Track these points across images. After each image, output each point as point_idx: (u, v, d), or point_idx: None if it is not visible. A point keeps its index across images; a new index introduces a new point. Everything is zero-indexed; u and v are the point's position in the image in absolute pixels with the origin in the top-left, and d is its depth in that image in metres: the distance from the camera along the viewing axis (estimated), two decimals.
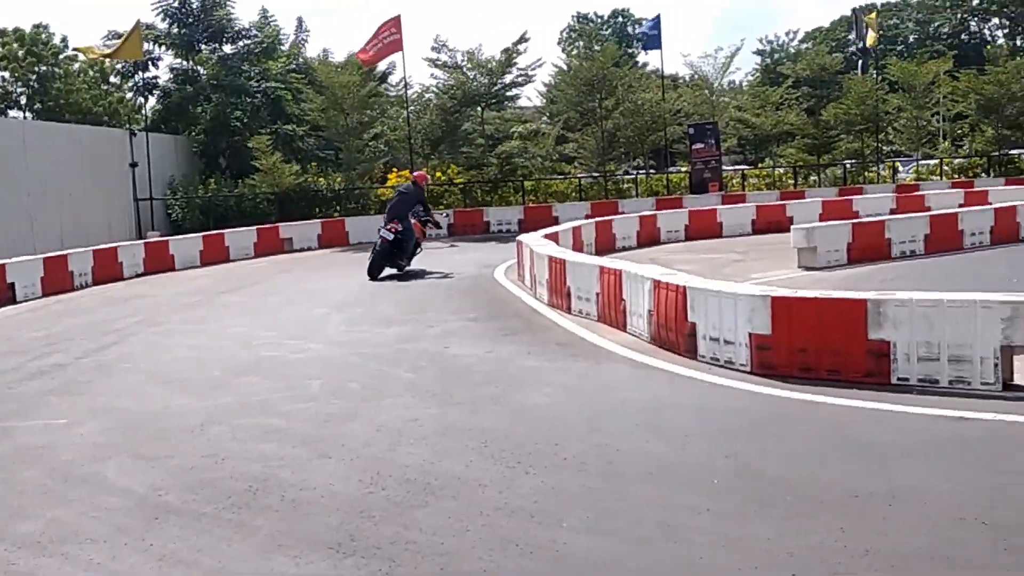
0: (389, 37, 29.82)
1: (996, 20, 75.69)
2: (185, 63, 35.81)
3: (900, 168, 41.77)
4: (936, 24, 75.74)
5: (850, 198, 27.44)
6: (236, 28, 35.98)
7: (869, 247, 17.12)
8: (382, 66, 38.77)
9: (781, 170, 39.74)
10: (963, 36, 74.67)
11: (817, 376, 8.17)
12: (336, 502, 5.76)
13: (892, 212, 23.56)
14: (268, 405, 8.37)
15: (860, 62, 46.84)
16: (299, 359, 10.53)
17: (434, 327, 12.15)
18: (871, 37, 39.97)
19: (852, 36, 49.87)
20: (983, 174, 37.07)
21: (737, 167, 45.02)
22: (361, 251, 25.17)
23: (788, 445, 6.57)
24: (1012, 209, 19.45)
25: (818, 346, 8.26)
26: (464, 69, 33.15)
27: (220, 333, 12.75)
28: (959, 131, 42.88)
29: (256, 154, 30.75)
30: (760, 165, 42.14)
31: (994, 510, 5.17)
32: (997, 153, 38.74)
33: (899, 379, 7.89)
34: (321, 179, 32.39)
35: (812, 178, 39.22)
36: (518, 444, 6.77)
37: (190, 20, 35.18)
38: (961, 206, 22.53)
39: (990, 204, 21.74)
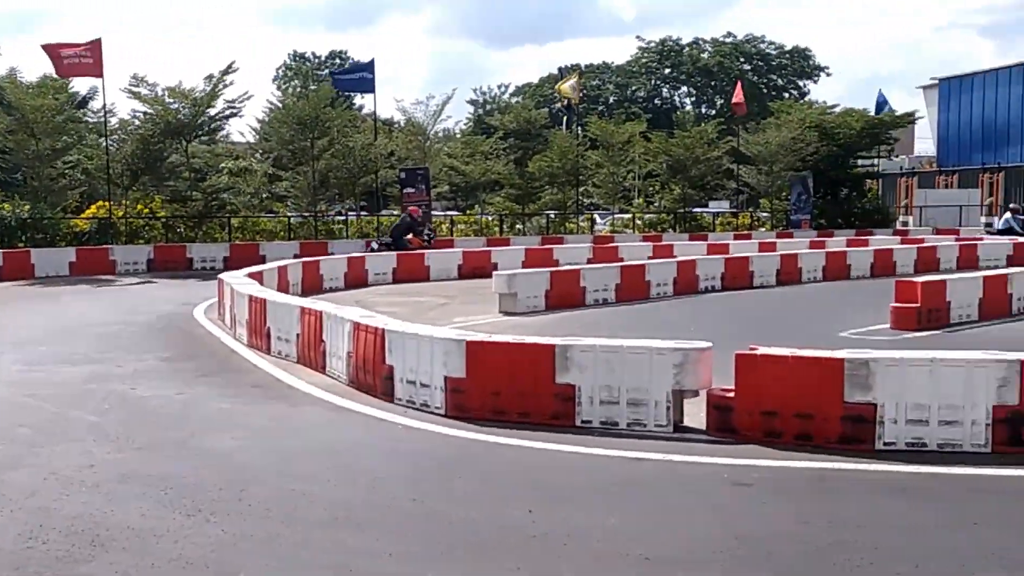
0: (83, 58, 28.14)
1: (685, 89, 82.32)
2: None
3: (598, 220, 44.18)
4: (633, 88, 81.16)
5: (551, 247, 28.65)
6: None
7: (566, 294, 17.90)
8: (83, 91, 36.67)
9: (489, 217, 40.96)
10: (656, 101, 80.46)
11: (508, 419, 8.40)
12: None
13: (589, 262, 24.78)
14: None
15: (565, 118, 49.26)
16: None
17: (124, 367, 11.49)
18: (572, 96, 42.15)
19: (556, 93, 52.50)
20: (670, 229, 39.92)
21: (447, 212, 45.99)
22: (51, 285, 23.49)
23: (474, 487, 6.70)
24: (693, 263, 21.01)
25: (509, 390, 8.50)
26: (165, 101, 31.75)
27: None
28: (651, 188, 45.97)
29: None
30: (469, 212, 43.24)
31: (658, 547, 5.49)
32: (683, 210, 41.86)
33: (583, 421, 8.26)
34: (6, 206, 29.92)
35: (518, 226, 40.67)
36: (201, 490, 6.49)
37: None
38: (650, 258, 24.10)
39: (675, 257, 23.39)
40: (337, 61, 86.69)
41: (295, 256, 25.33)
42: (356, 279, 22.45)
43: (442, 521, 5.93)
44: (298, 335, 11.60)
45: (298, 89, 55.03)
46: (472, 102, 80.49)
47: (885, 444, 7.41)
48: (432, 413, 8.78)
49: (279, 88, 71.83)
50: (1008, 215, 28.18)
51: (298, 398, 9.74)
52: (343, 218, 37.69)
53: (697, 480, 6.91)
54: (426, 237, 27.28)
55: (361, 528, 5.80)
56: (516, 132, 45.08)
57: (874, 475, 6.91)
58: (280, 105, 38.61)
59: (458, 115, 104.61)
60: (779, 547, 5.49)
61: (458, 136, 52.18)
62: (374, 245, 26.63)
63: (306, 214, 35.67)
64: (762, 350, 7.97)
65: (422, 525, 5.84)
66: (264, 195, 36.18)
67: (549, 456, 7.49)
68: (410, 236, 26.62)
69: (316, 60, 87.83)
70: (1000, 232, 28.37)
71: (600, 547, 5.47)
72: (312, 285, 20.69)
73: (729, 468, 7.08)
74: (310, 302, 12.35)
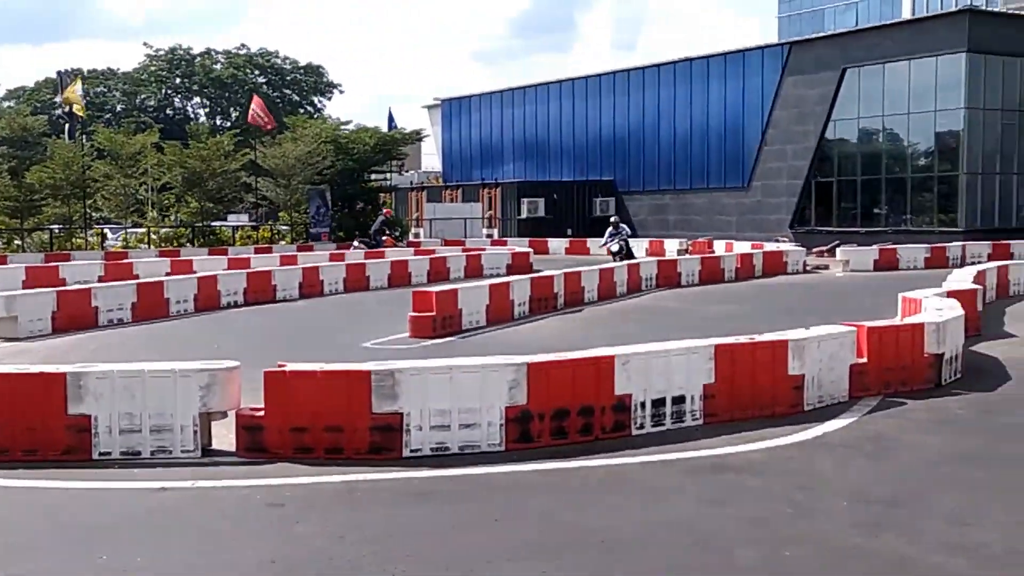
0: None
1: (198, 99, 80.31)
2: None
3: (109, 235, 41.71)
4: (143, 97, 77.65)
5: (57, 264, 26.50)
6: None
7: (76, 315, 16.60)
8: None
9: None
10: (168, 111, 77.62)
11: (13, 458, 7.58)
12: None
13: (101, 280, 23.24)
14: None
15: (67, 126, 45.85)
16: None
17: None
18: (78, 102, 39.44)
19: (58, 99, 48.70)
20: (189, 244, 38.70)
21: None
22: None
23: None
24: (214, 278, 20.47)
25: (13, 425, 7.67)
26: None
27: None
28: (166, 201, 44.21)
29: None
30: None
31: None
32: (201, 224, 40.80)
33: (101, 454, 7.68)
34: None
35: (16, 243, 37.24)
36: None
37: None
38: (168, 274, 23.13)
39: (195, 273, 22.67)
40: None
41: None
42: None
43: None
44: None
45: None
46: None
47: (412, 451, 7.71)
48: None
49: None
50: (610, 228, 30.42)
51: None
52: None
53: (229, 504, 6.70)
54: (393, 236, 32.57)
55: None
56: (10, 140, 41.09)
57: (402, 483, 7.14)
58: None
59: None
60: (315, 566, 5.46)
61: None
62: (356, 244, 32.06)
63: None
64: (290, 366, 7.93)
65: None
66: None
67: (64, 495, 6.87)
68: (385, 237, 31.86)
69: None
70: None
71: None
72: None
73: (262, 489, 6.95)
74: None
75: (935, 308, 11.46)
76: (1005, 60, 35.73)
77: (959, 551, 5.57)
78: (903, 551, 5.59)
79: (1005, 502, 6.54)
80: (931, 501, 6.58)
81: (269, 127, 42.15)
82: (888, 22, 45.45)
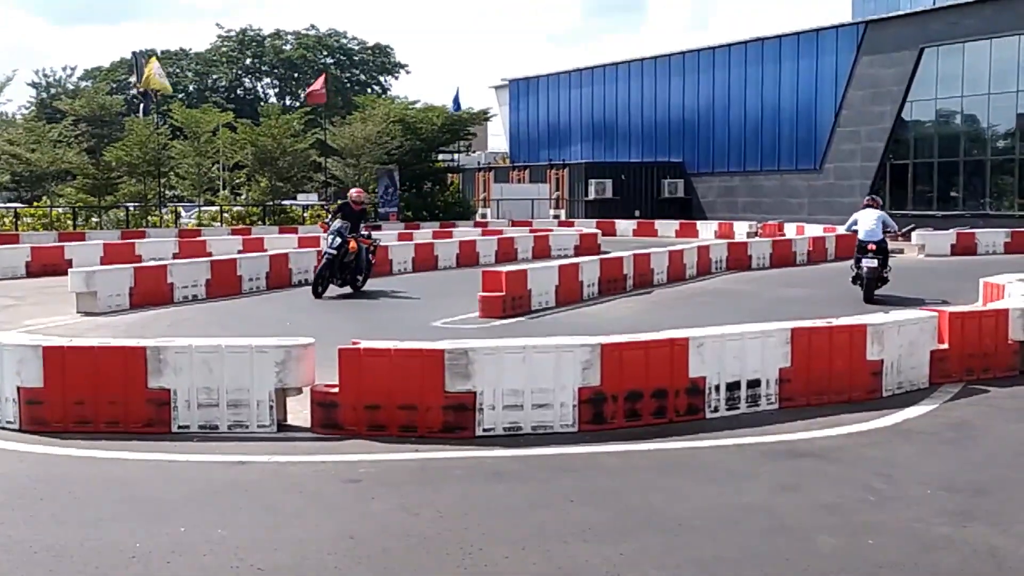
0: None
1: (268, 80, 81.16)
2: None
3: (183, 213, 42.42)
4: (215, 77, 78.69)
5: (133, 242, 26.99)
6: None
7: (152, 291, 16.90)
8: None
9: (60, 210, 37.90)
10: (239, 91, 78.60)
11: (96, 429, 7.74)
12: None
13: (175, 257, 23.65)
14: None
15: (142, 105, 46.63)
16: None
17: None
18: (156, 82, 40.08)
19: (133, 79, 49.54)
20: (260, 222, 39.19)
21: (10, 205, 41.93)
22: None
23: (62, 508, 6.07)
24: (285, 256, 20.70)
25: (96, 397, 7.82)
26: None
27: None
28: (238, 180, 44.86)
29: None
30: (36, 204, 39.73)
31: (271, 554, 5.29)
32: (272, 202, 41.27)
33: (180, 427, 7.81)
34: None
35: (94, 219, 38.04)
36: None
37: None
38: (240, 252, 23.44)
39: (266, 251, 22.95)
40: None
41: None
42: None
43: (25, 551, 5.30)
44: None
45: None
46: (34, 85, 73.78)
47: (485, 430, 7.70)
48: (4, 429, 7.88)
49: None
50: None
51: None
52: None
53: (305, 480, 6.76)
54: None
55: None
56: (89, 118, 41.95)
57: (474, 461, 7.13)
58: None
59: (19, 99, 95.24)
60: (393, 542, 5.49)
61: (19, 121, 47.67)
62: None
63: None
64: (364, 344, 7.97)
65: (1, 558, 5.19)
66: None
67: (145, 467, 6.99)
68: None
69: None
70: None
71: (209, 560, 5.16)
72: None
73: (336, 465, 7.00)
74: None
75: (1020, 294, 11.14)
76: None
77: None
78: (993, 541, 5.44)
79: None
80: (1019, 490, 6.40)
81: (321, 100, 42.14)
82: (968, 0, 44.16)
